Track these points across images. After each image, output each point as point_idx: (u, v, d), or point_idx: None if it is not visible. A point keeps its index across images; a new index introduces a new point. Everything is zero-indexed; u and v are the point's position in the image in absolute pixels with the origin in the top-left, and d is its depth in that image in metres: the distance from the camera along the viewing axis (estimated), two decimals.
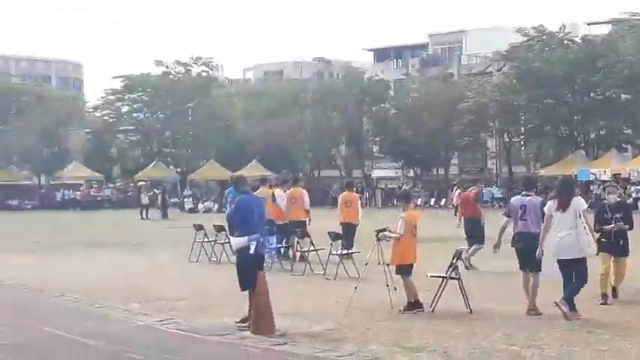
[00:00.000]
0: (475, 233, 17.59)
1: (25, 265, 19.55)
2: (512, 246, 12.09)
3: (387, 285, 12.14)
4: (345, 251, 16.35)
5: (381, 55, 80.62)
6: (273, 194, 19.26)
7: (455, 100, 57.58)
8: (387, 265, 12.45)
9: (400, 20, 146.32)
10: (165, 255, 21.80)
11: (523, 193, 12.30)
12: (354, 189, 23.41)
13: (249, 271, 10.83)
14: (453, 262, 12.08)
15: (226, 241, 19.98)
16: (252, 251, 10.86)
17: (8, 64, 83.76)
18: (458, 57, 72.21)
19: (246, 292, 10.94)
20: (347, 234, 18.18)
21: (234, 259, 18.61)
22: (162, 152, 71.00)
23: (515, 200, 12.38)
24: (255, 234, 10.95)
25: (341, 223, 19.34)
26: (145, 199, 46.45)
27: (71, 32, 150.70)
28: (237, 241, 11.07)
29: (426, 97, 61.30)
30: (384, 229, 12.66)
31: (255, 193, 13.79)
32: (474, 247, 17.27)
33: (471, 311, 11.74)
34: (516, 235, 12.00)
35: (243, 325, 10.85)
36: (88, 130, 73.84)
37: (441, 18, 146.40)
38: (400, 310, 11.93)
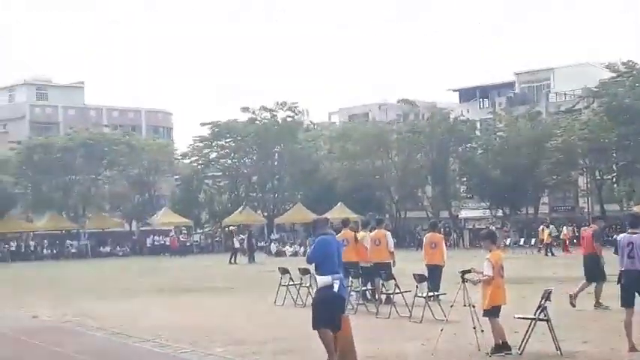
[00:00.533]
0: (595, 271, 17.28)
1: (113, 310, 19.82)
2: (618, 283, 11.91)
3: (474, 327, 11.85)
4: (430, 293, 16.08)
5: (467, 94, 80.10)
6: (355, 236, 19.15)
7: (543, 138, 56.80)
8: (473, 306, 12.19)
9: (485, 60, 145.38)
10: (251, 298, 21.84)
11: (629, 230, 12.02)
12: (440, 230, 23.06)
13: (327, 310, 10.64)
14: (542, 303, 11.73)
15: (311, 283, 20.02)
16: (335, 289, 10.69)
17: (101, 114, 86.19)
18: (546, 95, 71.24)
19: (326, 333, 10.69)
20: (432, 276, 17.90)
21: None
22: (250, 197, 71.84)
23: (623, 238, 12.08)
24: (337, 274, 10.82)
25: (426, 265, 19.07)
26: (236, 244, 47.02)
27: (160, 81, 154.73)
28: (322, 280, 10.91)
29: (514, 136, 60.58)
30: (469, 270, 12.42)
31: (337, 235, 13.67)
32: (596, 285, 16.99)
33: (561, 353, 11.35)
34: (623, 272, 11.79)
35: None
36: (177, 176, 75.31)
37: (527, 56, 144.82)
38: (487, 353, 11.61)
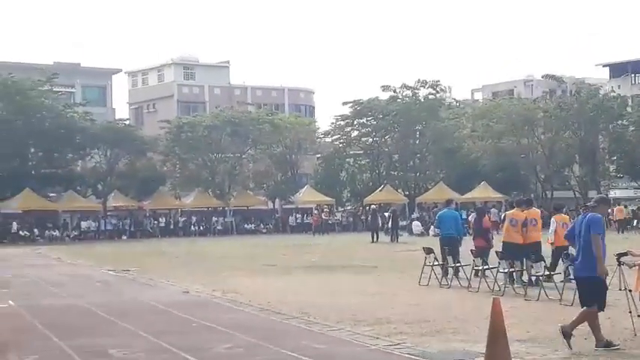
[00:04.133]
0: None
1: (260, 287, 20.16)
2: None
3: (630, 312, 11.36)
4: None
5: (618, 69, 77.21)
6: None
7: None
8: (630, 291, 11.70)
9: (637, 33, 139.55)
10: (395, 278, 21.77)
11: None
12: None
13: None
14: None
15: (458, 264, 19.80)
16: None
17: (246, 93, 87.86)
18: None
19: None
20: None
21: (464, 283, 18.47)
22: (391, 175, 71.74)
23: None
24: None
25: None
26: (379, 222, 47.11)
27: (302, 60, 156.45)
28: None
29: None
30: (626, 253, 11.91)
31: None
32: None
33: None
34: None
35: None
36: (319, 155, 76.00)
37: None
38: None
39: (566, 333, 10.74)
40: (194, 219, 66.23)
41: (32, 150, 62.11)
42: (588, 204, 11.92)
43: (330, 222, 63.25)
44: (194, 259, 32.77)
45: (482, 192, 61.08)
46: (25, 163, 61.26)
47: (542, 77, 72.68)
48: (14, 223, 57.18)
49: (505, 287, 17.17)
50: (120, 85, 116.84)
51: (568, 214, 21.99)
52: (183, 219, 66.83)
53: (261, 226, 66.86)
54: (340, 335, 12.46)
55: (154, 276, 24.06)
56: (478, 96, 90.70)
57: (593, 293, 10.76)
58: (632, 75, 76.22)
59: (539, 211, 19.76)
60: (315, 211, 63.56)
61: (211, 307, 16.53)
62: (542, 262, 17.02)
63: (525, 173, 66.39)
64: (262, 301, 16.75)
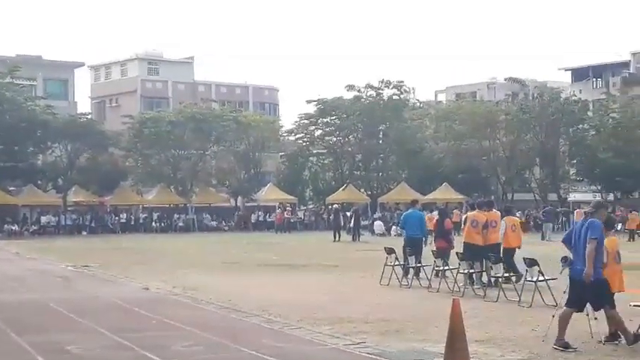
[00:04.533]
0: None
1: (221, 284, 20.12)
2: None
3: (587, 314, 11.52)
4: (542, 278, 15.72)
5: (580, 74, 78.06)
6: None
7: None
8: None
9: (599, 38, 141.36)
10: (356, 278, 21.85)
11: None
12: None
13: None
14: None
15: (419, 264, 19.91)
16: None
17: (210, 89, 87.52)
18: None
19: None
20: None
21: (425, 283, 18.59)
22: (354, 175, 71.88)
23: None
24: None
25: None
26: (341, 221, 47.28)
27: (267, 57, 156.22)
28: None
29: (628, 118, 58.67)
30: None
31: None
32: None
33: None
34: None
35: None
36: (282, 153, 75.92)
37: None
38: (601, 341, 11.28)
39: (614, 336, 11.23)
40: (155, 215, 65.81)
41: None
42: (586, 210, 12.28)
43: (292, 220, 63.24)
44: (155, 256, 32.59)
45: (444, 193, 61.43)
46: None
47: (505, 80, 73.28)
48: None
49: (465, 288, 17.32)
50: (82, 79, 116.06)
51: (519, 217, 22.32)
52: (145, 215, 66.35)
53: (223, 223, 66.64)
54: (300, 334, 12.49)
55: (114, 272, 23.92)
56: (442, 97, 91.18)
57: (600, 295, 11.11)
58: (594, 79, 77.08)
59: (499, 213, 19.95)
60: (278, 209, 63.50)
61: (171, 304, 16.47)
62: (502, 263, 17.21)
63: (486, 175, 66.84)
64: (223, 298, 16.73)
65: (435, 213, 25.65)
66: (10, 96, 60.62)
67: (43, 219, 60.41)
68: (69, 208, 63.42)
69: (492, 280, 17.75)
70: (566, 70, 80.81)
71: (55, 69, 74.92)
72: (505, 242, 19.03)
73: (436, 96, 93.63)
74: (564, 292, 12.25)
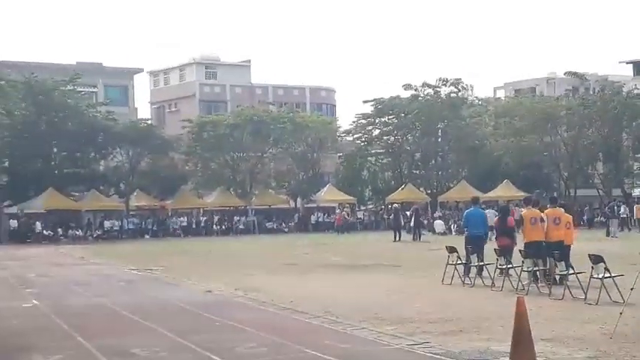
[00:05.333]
0: None
1: (283, 285, 20.15)
2: None
3: None
4: (607, 275, 15.42)
5: None
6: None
7: None
8: None
9: None
10: (418, 277, 21.71)
11: None
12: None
13: None
14: None
15: (475, 263, 19.70)
16: None
17: (267, 92, 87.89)
18: None
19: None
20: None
21: (488, 281, 18.39)
22: (412, 174, 71.56)
23: None
24: None
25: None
26: (401, 221, 47.07)
27: (323, 59, 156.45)
28: None
29: None
30: None
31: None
32: None
33: None
34: None
35: None
36: (340, 154, 75.92)
37: None
38: None
39: None
40: (216, 218, 66.30)
41: (55, 150, 62.37)
42: None
43: (352, 221, 63.13)
44: (216, 259, 32.84)
45: (505, 190, 60.76)
46: (49, 163, 61.55)
47: (565, 75, 72.22)
48: (38, 223, 57.49)
49: (529, 286, 17.08)
50: (142, 85, 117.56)
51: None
52: (205, 218, 66.90)
53: (283, 224, 66.87)
54: (364, 334, 12.43)
55: (176, 275, 24.13)
56: (500, 94, 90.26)
57: None
58: None
59: (562, 209, 19.60)
60: (338, 210, 63.46)
61: (234, 306, 16.54)
62: (567, 260, 16.91)
63: (548, 171, 66.06)
64: (285, 300, 16.74)
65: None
66: (72, 103, 61.75)
67: (107, 224, 61.34)
68: (131, 213, 64.32)
69: (557, 277, 17.45)
70: (627, 63, 79.39)
71: (115, 76, 76.03)
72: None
73: (495, 92, 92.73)
74: (631, 289, 12.02)
